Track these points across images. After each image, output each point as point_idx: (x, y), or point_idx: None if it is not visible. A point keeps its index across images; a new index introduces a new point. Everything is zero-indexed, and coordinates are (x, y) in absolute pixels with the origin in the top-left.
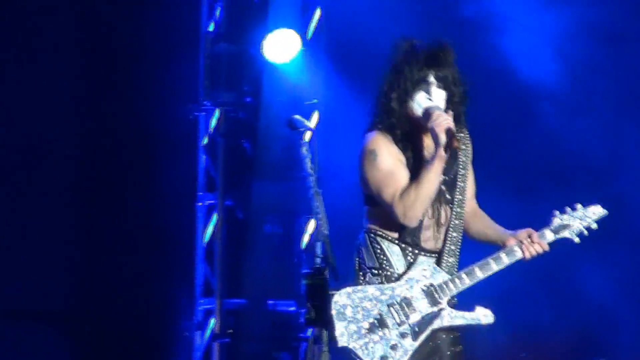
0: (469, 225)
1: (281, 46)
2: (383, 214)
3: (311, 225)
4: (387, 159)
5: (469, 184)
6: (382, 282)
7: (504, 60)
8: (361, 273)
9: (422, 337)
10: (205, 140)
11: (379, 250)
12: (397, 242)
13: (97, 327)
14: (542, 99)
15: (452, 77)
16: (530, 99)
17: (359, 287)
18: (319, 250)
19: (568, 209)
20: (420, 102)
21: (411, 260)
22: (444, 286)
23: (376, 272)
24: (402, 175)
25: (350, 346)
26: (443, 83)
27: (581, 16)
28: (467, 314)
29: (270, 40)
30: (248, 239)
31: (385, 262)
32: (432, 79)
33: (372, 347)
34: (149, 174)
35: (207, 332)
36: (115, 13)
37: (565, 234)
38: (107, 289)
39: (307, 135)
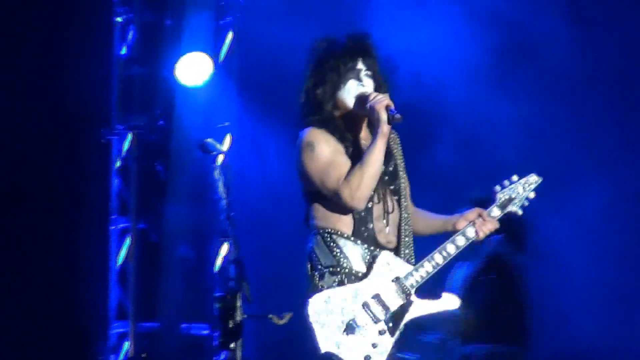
0: (414, 221)
1: (193, 69)
2: (332, 210)
3: (224, 248)
4: (326, 148)
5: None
6: (342, 281)
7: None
8: (316, 274)
9: (398, 331)
10: (118, 164)
11: (335, 248)
12: (352, 238)
13: (10, 350)
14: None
15: (377, 66)
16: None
17: (330, 291)
18: (232, 273)
19: (506, 182)
20: (351, 90)
21: (368, 256)
22: (410, 277)
23: (334, 270)
24: (343, 161)
25: (334, 351)
26: (371, 71)
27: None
28: (434, 302)
29: (183, 63)
30: (161, 262)
31: (342, 259)
32: (360, 65)
33: (354, 349)
34: (61, 197)
35: (121, 356)
36: (28, 34)
37: (511, 207)
38: (19, 312)
39: (220, 159)
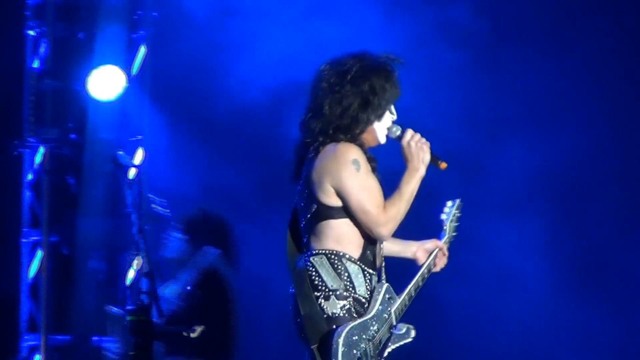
0: None
1: (106, 83)
2: (347, 232)
3: (136, 262)
4: (367, 169)
5: None
6: (349, 308)
7: None
8: (321, 295)
9: None
10: (30, 177)
11: (342, 272)
12: (358, 263)
13: None
14: None
15: None
16: None
17: (355, 325)
18: (143, 286)
19: (447, 210)
20: (385, 122)
21: (369, 282)
22: (397, 312)
23: (340, 294)
24: (379, 187)
25: None
26: None
27: None
28: (402, 334)
29: (95, 76)
30: (73, 275)
31: (349, 284)
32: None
33: None
34: None
35: None
36: None
37: (453, 233)
38: None
39: (132, 172)
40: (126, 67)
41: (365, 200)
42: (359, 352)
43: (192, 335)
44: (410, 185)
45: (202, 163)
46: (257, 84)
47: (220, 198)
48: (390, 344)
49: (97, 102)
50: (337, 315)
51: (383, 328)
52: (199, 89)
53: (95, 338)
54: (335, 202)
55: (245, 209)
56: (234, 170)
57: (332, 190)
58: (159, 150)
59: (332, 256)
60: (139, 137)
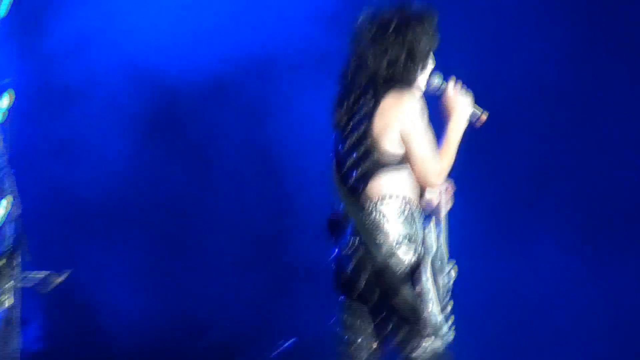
0: None
1: None
2: (408, 179)
3: (5, 202)
4: (427, 119)
5: None
6: (418, 252)
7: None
8: (394, 241)
9: None
10: None
11: (410, 218)
12: (418, 207)
13: None
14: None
15: None
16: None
17: (428, 261)
18: (10, 231)
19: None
20: (427, 71)
21: (422, 227)
22: (445, 249)
23: (410, 239)
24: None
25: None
26: None
27: None
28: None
29: None
30: None
31: (415, 230)
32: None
33: None
34: None
35: None
36: None
37: None
38: None
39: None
40: None
41: (428, 150)
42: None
43: (58, 280)
44: (458, 135)
45: (72, 110)
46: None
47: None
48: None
49: None
50: (409, 260)
51: (444, 263)
52: (63, 32)
53: None
54: (400, 149)
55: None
56: (107, 125)
57: (398, 138)
58: (32, 94)
59: (400, 202)
60: (7, 80)
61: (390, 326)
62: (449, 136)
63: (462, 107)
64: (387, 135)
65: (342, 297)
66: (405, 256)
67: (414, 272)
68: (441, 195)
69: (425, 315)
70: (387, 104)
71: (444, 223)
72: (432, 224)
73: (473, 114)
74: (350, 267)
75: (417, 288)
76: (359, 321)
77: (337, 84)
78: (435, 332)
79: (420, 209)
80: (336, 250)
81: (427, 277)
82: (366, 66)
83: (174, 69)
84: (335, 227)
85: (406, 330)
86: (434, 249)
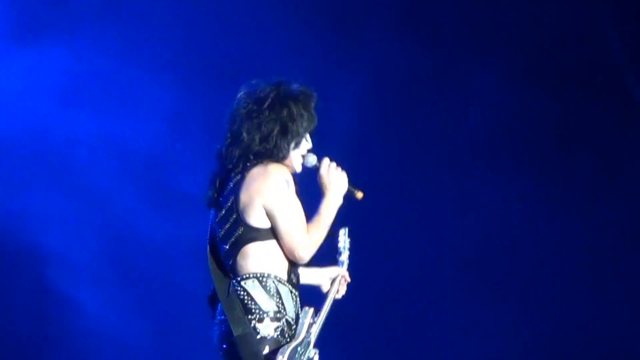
0: None
1: None
2: (273, 255)
3: None
4: (294, 192)
5: None
6: (282, 329)
7: None
8: (255, 318)
9: None
10: None
11: (274, 293)
12: (286, 283)
13: None
14: None
15: None
16: None
17: (293, 345)
18: None
19: (342, 238)
20: (302, 149)
21: (295, 303)
22: (316, 337)
23: (274, 316)
24: (302, 211)
25: None
26: None
27: None
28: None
29: None
30: None
31: (281, 306)
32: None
33: None
34: None
35: None
36: None
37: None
38: None
39: None
40: None
41: (292, 223)
42: None
43: None
44: (330, 213)
45: None
46: None
47: None
48: None
49: None
50: (271, 337)
51: (307, 353)
52: None
53: None
54: (264, 223)
55: None
56: None
57: (262, 211)
58: None
59: (263, 278)
60: None
61: None
62: (320, 211)
63: (335, 186)
64: (251, 207)
65: None
66: (266, 331)
67: (273, 352)
68: (334, 285)
69: None
70: (252, 176)
71: (324, 312)
72: (310, 311)
73: (349, 192)
74: (219, 341)
75: None
76: None
77: (214, 162)
78: None
79: (289, 284)
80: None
81: (285, 355)
82: (240, 140)
83: None
84: (212, 302)
85: None
86: (301, 338)
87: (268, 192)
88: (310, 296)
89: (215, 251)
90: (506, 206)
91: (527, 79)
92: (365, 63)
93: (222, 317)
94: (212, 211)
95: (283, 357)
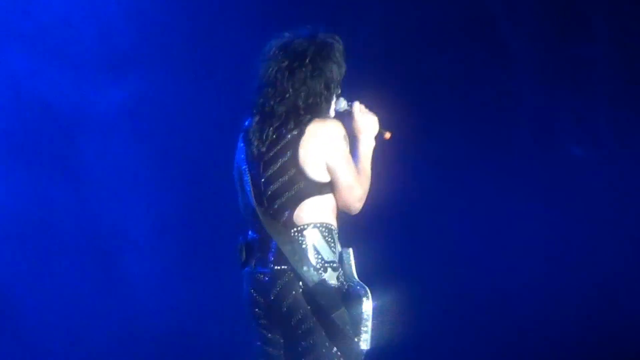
0: None
1: None
2: (329, 206)
3: None
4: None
5: None
6: (341, 280)
7: None
8: (321, 270)
9: None
10: None
11: (332, 244)
12: (337, 233)
13: None
14: None
15: None
16: None
17: (365, 287)
18: None
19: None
20: (336, 95)
21: (343, 252)
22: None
23: (335, 265)
24: None
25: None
26: None
27: None
28: None
29: None
30: None
31: (337, 255)
32: None
33: None
34: None
35: None
36: None
37: None
38: None
39: None
40: None
41: (352, 177)
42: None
43: None
44: (368, 157)
45: None
46: None
47: None
48: None
49: None
50: (336, 285)
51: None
52: None
53: None
54: (325, 178)
55: None
56: None
57: (324, 166)
58: None
59: (324, 229)
60: None
61: (300, 351)
62: (361, 158)
63: (369, 128)
64: (314, 163)
65: (255, 324)
66: (331, 281)
67: (343, 298)
68: None
69: (352, 342)
70: (312, 133)
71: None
72: (350, 251)
73: (379, 134)
74: (274, 292)
75: (353, 314)
76: (270, 349)
77: (253, 113)
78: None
79: (337, 235)
80: (249, 277)
81: (366, 308)
82: (284, 97)
83: None
84: (249, 253)
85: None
86: (356, 277)
87: (330, 148)
88: None
89: (264, 203)
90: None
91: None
92: None
93: (268, 269)
94: (252, 164)
95: (367, 299)
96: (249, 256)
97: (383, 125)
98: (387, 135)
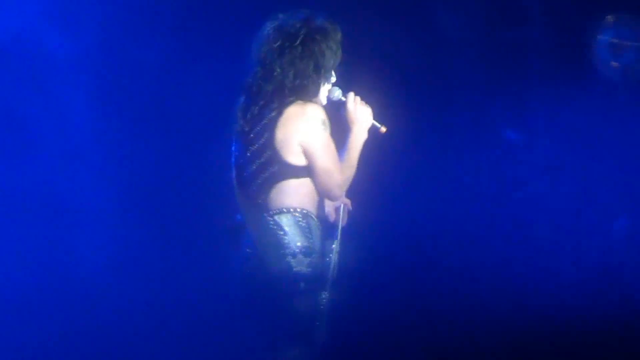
0: None
1: None
2: (307, 191)
3: None
4: (329, 131)
5: None
6: (315, 265)
7: None
8: (288, 253)
9: None
10: None
11: (306, 230)
12: (315, 218)
13: None
14: None
15: None
16: None
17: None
18: None
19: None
20: (328, 83)
21: (320, 237)
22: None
23: (307, 251)
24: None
25: None
26: None
27: None
28: None
29: None
30: None
31: (312, 241)
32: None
33: None
34: None
35: None
36: None
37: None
38: None
39: None
40: None
41: (330, 162)
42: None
43: None
44: (358, 148)
45: None
46: None
47: None
48: None
49: None
50: (304, 272)
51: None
52: None
53: None
54: (301, 161)
55: None
56: None
57: (300, 149)
58: None
59: (297, 214)
60: None
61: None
62: (350, 148)
63: (362, 120)
64: (289, 145)
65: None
66: (299, 267)
67: (308, 286)
68: (339, 212)
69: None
70: (290, 114)
71: (338, 240)
72: (337, 242)
73: (373, 127)
74: (244, 275)
75: (310, 303)
76: None
77: (242, 91)
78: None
79: (317, 219)
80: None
81: (324, 298)
82: (272, 76)
83: None
84: (234, 235)
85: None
86: (332, 267)
87: (308, 130)
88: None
89: (242, 184)
90: None
91: None
92: None
93: (250, 250)
94: (237, 143)
95: (324, 294)
96: (231, 237)
97: (378, 120)
98: (383, 129)
